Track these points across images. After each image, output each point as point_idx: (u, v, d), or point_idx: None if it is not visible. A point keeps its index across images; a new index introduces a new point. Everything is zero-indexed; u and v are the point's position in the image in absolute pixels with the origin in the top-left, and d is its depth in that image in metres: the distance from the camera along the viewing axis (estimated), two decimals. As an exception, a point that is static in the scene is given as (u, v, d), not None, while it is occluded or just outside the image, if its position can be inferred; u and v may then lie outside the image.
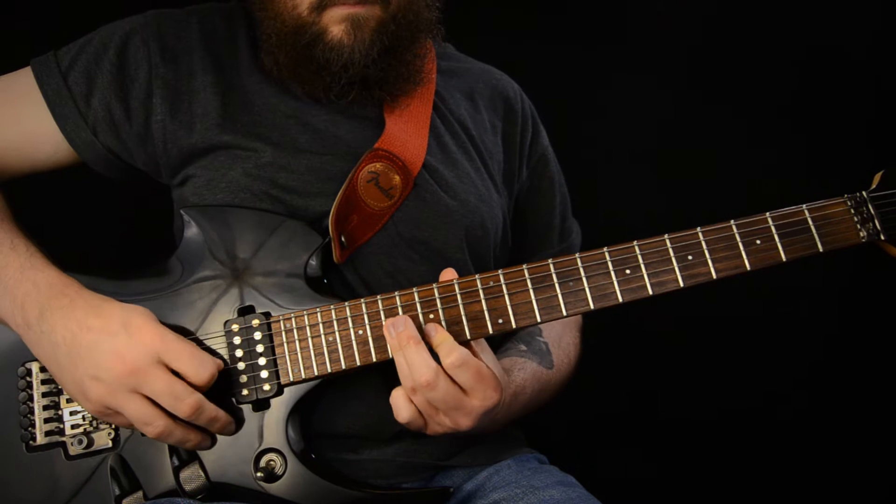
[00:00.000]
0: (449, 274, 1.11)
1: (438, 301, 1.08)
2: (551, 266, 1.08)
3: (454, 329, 1.07)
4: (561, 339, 1.35)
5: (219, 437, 1.09)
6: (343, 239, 1.16)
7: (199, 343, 1.11)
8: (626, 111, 2.03)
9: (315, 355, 1.09)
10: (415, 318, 1.08)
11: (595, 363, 1.42)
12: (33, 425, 1.12)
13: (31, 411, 1.13)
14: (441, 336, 1.05)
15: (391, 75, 1.21)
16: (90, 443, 1.11)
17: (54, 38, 1.28)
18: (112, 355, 1.01)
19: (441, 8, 1.29)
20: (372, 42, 1.16)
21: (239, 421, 1.10)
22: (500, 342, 1.32)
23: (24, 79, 1.24)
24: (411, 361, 1.02)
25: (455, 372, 1.02)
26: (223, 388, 1.09)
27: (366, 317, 1.09)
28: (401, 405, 1.06)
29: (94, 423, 1.12)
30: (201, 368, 1.03)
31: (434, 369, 1.02)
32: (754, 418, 2.06)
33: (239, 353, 1.10)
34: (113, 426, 1.11)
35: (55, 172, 1.28)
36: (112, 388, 1.02)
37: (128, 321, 1.03)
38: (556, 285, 1.07)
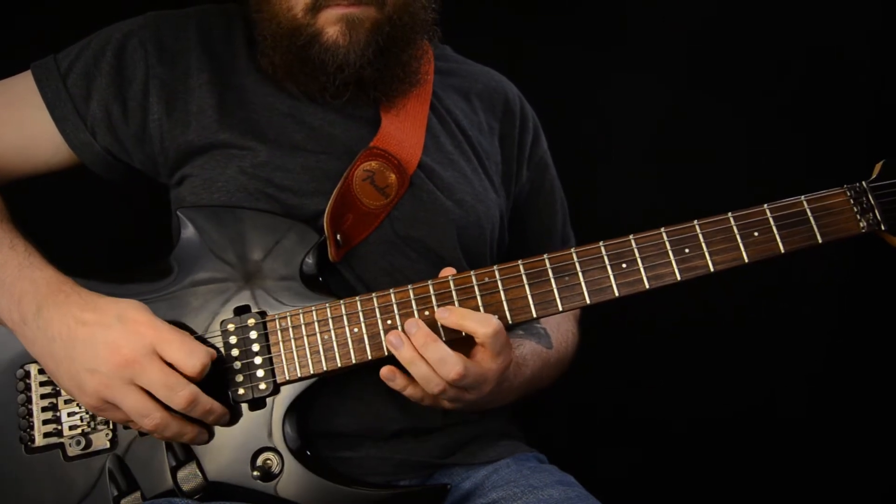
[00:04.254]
0: (448, 273, 1.10)
1: (434, 298, 1.08)
2: (547, 261, 1.07)
3: (450, 326, 1.07)
4: (559, 325, 1.36)
5: (216, 436, 1.09)
6: (339, 237, 1.16)
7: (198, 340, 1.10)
8: (626, 111, 2.02)
9: (311, 354, 1.09)
10: (409, 315, 1.07)
11: (594, 362, 1.42)
12: (32, 427, 1.12)
13: (30, 413, 1.13)
14: (459, 312, 1.05)
15: (387, 76, 1.22)
16: (88, 444, 1.11)
17: (54, 41, 1.29)
18: (108, 347, 1.01)
19: (438, 9, 1.29)
20: (367, 43, 1.16)
21: (235, 415, 1.09)
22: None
23: (25, 82, 1.25)
24: (438, 359, 1.02)
25: (492, 340, 1.03)
26: (220, 387, 1.09)
27: (361, 314, 1.09)
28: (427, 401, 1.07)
29: (92, 423, 1.12)
30: (193, 358, 1.02)
31: (461, 360, 1.02)
32: (755, 416, 2.04)
33: (235, 352, 1.10)
34: (111, 426, 1.11)
35: (53, 174, 1.29)
36: (109, 379, 1.02)
37: (122, 313, 1.04)
38: (552, 280, 1.07)
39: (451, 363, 1.02)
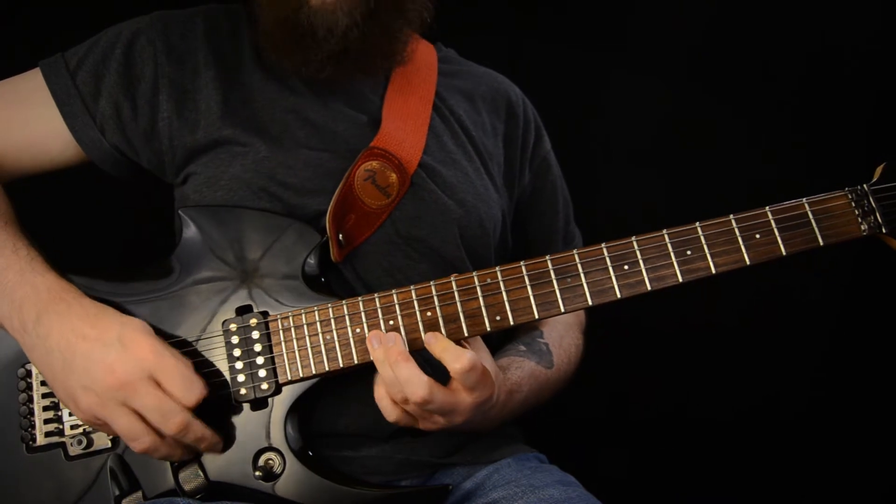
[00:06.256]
0: None
1: (436, 299, 1.08)
2: (549, 263, 1.07)
3: (451, 327, 1.07)
4: (562, 339, 1.34)
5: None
6: (341, 237, 1.16)
7: (197, 354, 1.10)
8: (627, 112, 2.02)
9: (313, 354, 1.09)
10: (412, 316, 1.07)
11: (596, 362, 1.42)
12: (33, 426, 1.12)
13: (32, 412, 1.13)
14: (443, 343, 1.03)
15: (371, 46, 1.20)
16: (89, 443, 1.11)
17: (54, 42, 1.29)
18: (103, 367, 1.01)
19: (436, 6, 1.28)
20: (355, 3, 1.15)
21: (230, 434, 1.09)
22: (502, 343, 1.32)
23: (33, 79, 1.25)
24: (404, 378, 1.00)
25: (464, 376, 1.01)
26: (221, 387, 1.09)
27: (363, 315, 1.09)
28: (387, 407, 1.05)
29: (93, 423, 1.12)
30: (189, 391, 1.02)
31: (428, 385, 1.00)
32: (755, 417, 2.04)
33: (237, 352, 1.10)
34: (112, 425, 1.11)
35: (59, 171, 1.29)
36: (102, 399, 1.02)
37: (123, 334, 1.03)
38: (554, 281, 1.07)
39: (418, 387, 1.00)
